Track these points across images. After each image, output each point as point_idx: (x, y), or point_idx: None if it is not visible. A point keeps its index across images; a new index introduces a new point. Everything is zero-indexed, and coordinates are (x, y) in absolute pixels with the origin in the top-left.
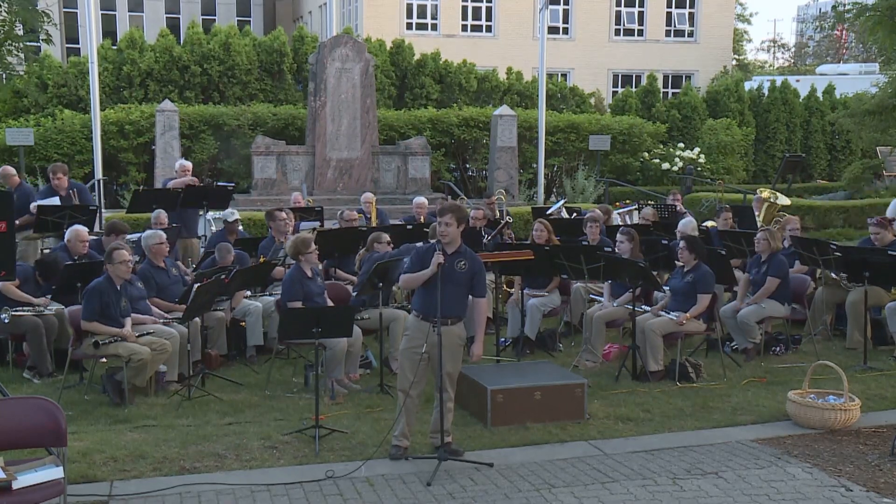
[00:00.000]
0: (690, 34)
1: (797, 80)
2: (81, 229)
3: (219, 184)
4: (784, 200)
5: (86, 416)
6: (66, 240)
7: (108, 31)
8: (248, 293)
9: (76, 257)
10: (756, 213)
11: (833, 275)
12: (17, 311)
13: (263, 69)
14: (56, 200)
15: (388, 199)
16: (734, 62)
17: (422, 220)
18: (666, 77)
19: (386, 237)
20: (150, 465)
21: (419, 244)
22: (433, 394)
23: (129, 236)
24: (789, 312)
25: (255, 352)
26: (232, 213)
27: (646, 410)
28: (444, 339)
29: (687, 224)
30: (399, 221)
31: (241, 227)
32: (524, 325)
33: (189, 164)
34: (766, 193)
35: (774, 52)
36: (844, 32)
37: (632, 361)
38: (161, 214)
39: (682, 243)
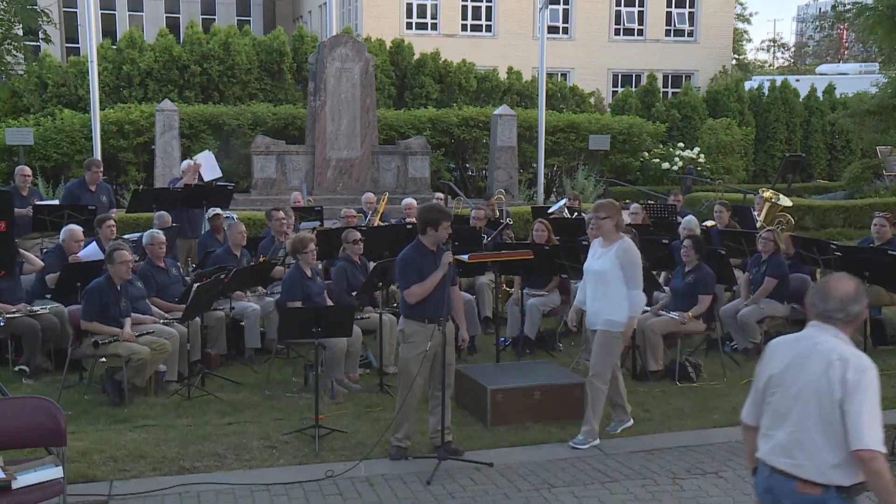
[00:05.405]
0: (690, 34)
1: (797, 80)
2: (76, 229)
3: (219, 184)
4: (786, 201)
5: (86, 415)
6: (61, 240)
7: (108, 30)
8: (262, 290)
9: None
10: (756, 213)
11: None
12: (11, 314)
13: (263, 69)
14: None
15: (387, 199)
16: (734, 62)
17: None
18: (666, 77)
19: (356, 235)
20: (149, 464)
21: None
22: (432, 393)
23: (128, 236)
24: (789, 312)
25: (253, 353)
26: (214, 210)
27: (646, 410)
28: (447, 335)
29: (690, 221)
30: (394, 221)
31: None
32: (524, 325)
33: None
34: (767, 193)
35: (774, 52)
36: (845, 31)
37: (632, 361)
38: (164, 215)
39: (686, 242)
